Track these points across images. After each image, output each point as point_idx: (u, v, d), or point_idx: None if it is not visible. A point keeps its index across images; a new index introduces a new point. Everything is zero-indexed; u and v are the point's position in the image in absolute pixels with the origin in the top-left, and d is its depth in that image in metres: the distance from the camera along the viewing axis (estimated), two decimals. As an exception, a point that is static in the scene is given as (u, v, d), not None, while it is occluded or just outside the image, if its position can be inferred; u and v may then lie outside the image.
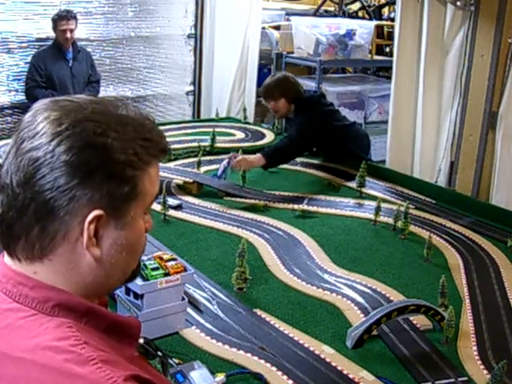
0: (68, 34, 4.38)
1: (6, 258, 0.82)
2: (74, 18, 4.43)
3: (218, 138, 3.79)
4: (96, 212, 0.76)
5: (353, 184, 3.23)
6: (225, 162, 3.19)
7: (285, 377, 1.60)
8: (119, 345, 0.80)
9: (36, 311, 0.76)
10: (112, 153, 0.77)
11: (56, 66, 4.46)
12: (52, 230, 0.76)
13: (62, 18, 4.36)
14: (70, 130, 0.76)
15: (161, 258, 1.78)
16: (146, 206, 0.84)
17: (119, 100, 0.87)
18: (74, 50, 4.53)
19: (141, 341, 0.99)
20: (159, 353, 1.10)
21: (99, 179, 0.76)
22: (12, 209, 0.76)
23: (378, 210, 2.73)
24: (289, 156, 3.43)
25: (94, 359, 0.72)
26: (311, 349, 1.73)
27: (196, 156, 3.45)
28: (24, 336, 0.74)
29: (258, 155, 3.28)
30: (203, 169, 3.37)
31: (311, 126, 3.41)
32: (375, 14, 6.97)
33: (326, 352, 1.72)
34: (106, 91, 5.32)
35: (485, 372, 1.67)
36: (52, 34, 4.63)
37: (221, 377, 1.56)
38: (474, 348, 1.79)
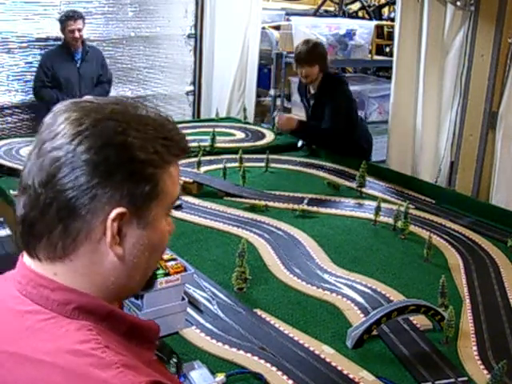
0: (76, 34, 4.41)
1: (26, 259, 0.82)
2: (81, 17, 4.46)
3: (218, 137, 3.79)
4: (119, 209, 0.76)
5: (353, 184, 3.23)
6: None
7: (285, 377, 1.60)
8: (138, 349, 0.79)
9: (56, 314, 0.76)
10: (132, 151, 0.77)
11: (63, 66, 4.47)
12: (74, 229, 0.76)
13: (70, 19, 4.39)
14: (90, 129, 0.76)
15: (161, 258, 1.78)
16: (168, 207, 0.84)
17: (138, 101, 0.87)
18: (83, 50, 4.54)
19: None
20: (174, 356, 1.08)
21: (120, 178, 0.76)
22: (34, 209, 0.77)
23: (378, 209, 2.73)
24: (323, 140, 3.62)
25: (115, 363, 0.71)
26: (311, 349, 1.73)
27: (196, 156, 3.45)
28: (45, 339, 0.73)
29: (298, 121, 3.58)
30: (203, 169, 3.37)
31: (344, 113, 3.57)
32: (375, 14, 6.98)
33: (326, 352, 1.72)
34: (106, 91, 5.33)
35: (485, 372, 1.67)
36: (52, 34, 4.65)
37: (221, 377, 1.56)
38: (474, 348, 1.79)
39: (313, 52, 3.56)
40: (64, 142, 0.76)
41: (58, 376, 0.70)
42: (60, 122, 0.77)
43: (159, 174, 0.80)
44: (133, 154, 0.77)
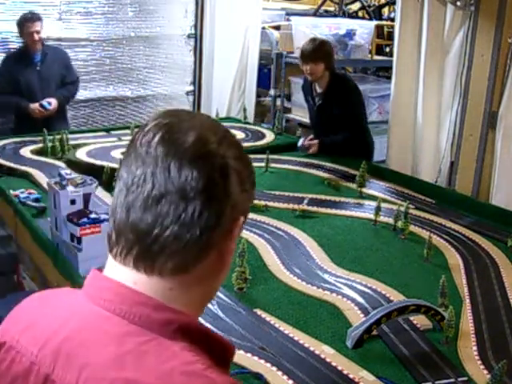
0: (35, 37, 4.18)
1: (117, 274, 0.75)
2: (39, 19, 4.24)
3: (218, 137, 3.79)
4: (242, 218, 0.79)
5: (353, 184, 3.23)
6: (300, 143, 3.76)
7: (285, 377, 1.60)
8: (223, 368, 0.76)
9: (157, 335, 0.71)
10: (252, 172, 0.81)
11: (23, 70, 4.25)
12: (213, 240, 0.75)
13: (28, 21, 4.17)
14: (224, 147, 0.76)
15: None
16: None
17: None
18: (42, 52, 4.30)
19: None
20: None
21: (248, 187, 0.78)
22: (174, 223, 0.71)
23: (378, 209, 2.73)
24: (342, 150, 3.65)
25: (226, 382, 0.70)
26: (311, 349, 1.73)
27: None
28: (152, 362, 0.69)
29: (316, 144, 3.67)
30: (203, 169, 3.36)
31: (364, 112, 3.70)
32: (375, 14, 6.98)
33: (326, 352, 1.72)
34: (106, 91, 5.33)
35: (485, 372, 1.67)
36: (52, 34, 4.63)
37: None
38: (474, 348, 1.79)
39: (318, 49, 3.57)
40: (214, 148, 0.74)
41: None
42: (183, 134, 0.74)
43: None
44: (251, 166, 0.80)
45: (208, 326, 1.83)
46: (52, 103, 4.18)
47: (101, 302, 0.74)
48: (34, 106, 4.15)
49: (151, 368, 0.68)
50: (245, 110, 4.65)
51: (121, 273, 0.75)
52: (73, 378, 0.69)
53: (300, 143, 3.78)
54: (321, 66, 3.56)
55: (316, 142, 3.69)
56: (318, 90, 3.71)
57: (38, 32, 4.20)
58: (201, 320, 1.90)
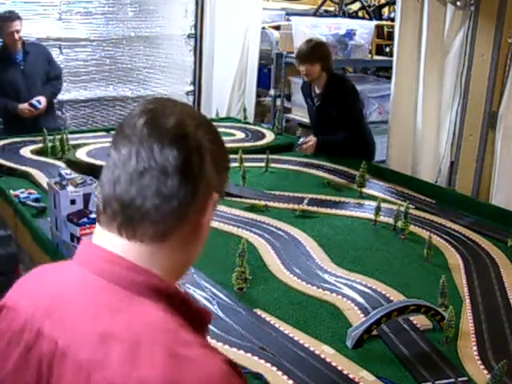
0: (16, 36, 4.12)
1: (104, 241, 0.84)
2: (19, 18, 4.16)
3: (218, 137, 3.79)
4: (217, 195, 0.88)
5: (353, 184, 3.23)
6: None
7: (285, 377, 1.60)
8: (198, 332, 0.83)
9: (133, 293, 0.80)
10: (225, 151, 0.92)
11: (6, 70, 4.19)
12: (191, 211, 0.83)
13: (7, 20, 4.10)
14: (202, 131, 0.86)
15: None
16: None
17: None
18: (23, 50, 4.24)
19: None
20: None
21: (221, 169, 0.88)
22: (155, 195, 0.80)
23: (378, 209, 2.73)
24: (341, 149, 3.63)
25: (195, 343, 0.77)
26: (311, 349, 1.73)
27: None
28: (126, 316, 0.77)
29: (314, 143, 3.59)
30: (203, 169, 3.36)
31: (359, 103, 3.69)
32: (375, 13, 6.98)
33: (326, 352, 1.72)
34: (106, 91, 5.33)
35: (485, 372, 1.67)
36: (52, 34, 4.62)
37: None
38: (474, 348, 1.79)
39: (314, 50, 3.57)
40: (192, 131, 0.83)
41: (146, 350, 0.74)
42: (166, 118, 0.83)
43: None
44: (226, 150, 0.91)
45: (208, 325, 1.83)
46: (41, 101, 4.14)
47: (87, 265, 0.84)
48: (23, 106, 4.11)
49: (124, 321, 0.77)
50: (245, 110, 4.65)
51: (106, 239, 0.84)
52: (58, 330, 0.80)
53: (300, 142, 3.77)
54: (317, 67, 3.56)
55: (313, 140, 3.64)
56: (317, 91, 3.71)
57: (18, 31, 4.13)
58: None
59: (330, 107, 3.63)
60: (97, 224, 0.87)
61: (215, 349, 0.80)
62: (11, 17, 4.12)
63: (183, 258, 0.88)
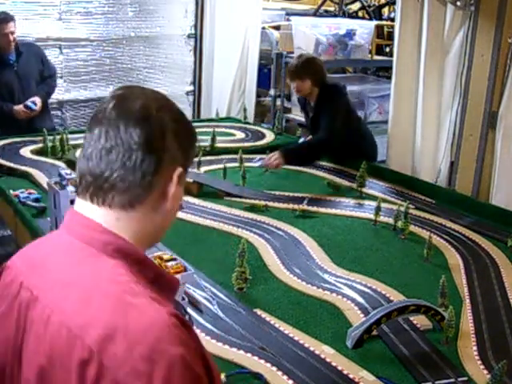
0: (10, 37, 4.09)
1: (82, 209, 0.96)
2: (13, 19, 4.13)
3: (218, 138, 3.80)
4: (180, 169, 0.96)
5: (353, 184, 3.23)
6: (257, 163, 3.46)
7: (285, 377, 1.60)
8: (161, 295, 0.91)
9: (100, 252, 0.91)
10: (191, 128, 1.02)
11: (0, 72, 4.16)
12: (156, 183, 0.93)
13: (1, 22, 4.06)
14: (163, 111, 0.95)
15: (161, 258, 1.78)
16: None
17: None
18: (17, 51, 4.20)
19: None
20: (187, 315, 1.32)
21: (185, 145, 0.97)
22: (121, 168, 0.91)
23: (378, 209, 2.73)
24: (311, 157, 3.53)
25: (145, 295, 0.86)
26: (311, 349, 1.73)
27: (196, 156, 3.45)
28: (89, 269, 0.90)
29: (278, 156, 3.36)
30: (203, 169, 3.37)
31: (341, 117, 3.47)
32: (375, 13, 6.98)
33: (326, 352, 1.72)
34: (106, 91, 5.32)
35: (485, 372, 1.67)
36: (52, 34, 4.62)
37: (221, 377, 1.56)
38: (474, 348, 1.79)
39: (304, 66, 3.51)
40: (154, 113, 0.93)
41: (99, 297, 0.85)
42: (132, 101, 0.94)
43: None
44: (192, 129, 1.01)
45: (208, 326, 1.83)
46: (37, 102, 4.13)
47: (67, 229, 0.97)
48: (19, 107, 4.10)
49: (86, 274, 0.89)
50: (245, 109, 4.65)
51: (82, 206, 0.96)
52: (35, 281, 0.94)
53: (258, 163, 3.48)
54: (307, 82, 3.51)
55: (276, 154, 3.37)
56: (312, 104, 3.68)
57: (12, 33, 4.10)
58: (201, 320, 1.90)
59: (319, 118, 3.59)
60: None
61: (167, 303, 0.89)
62: (6, 18, 4.09)
63: (150, 226, 0.97)
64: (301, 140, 3.83)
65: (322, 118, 3.52)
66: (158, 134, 0.93)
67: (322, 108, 3.55)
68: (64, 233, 0.97)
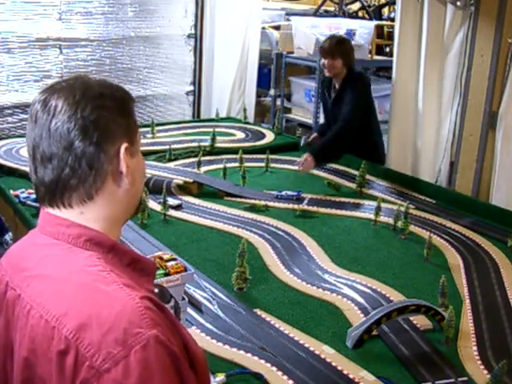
0: None
1: (50, 210, 0.99)
2: None
3: (218, 138, 3.80)
4: (125, 144, 0.96)
5: (353, 184, 3.23)
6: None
7: (285, 377, 1.60)
8: (139, 279, 0.95)
9: (71, 245, 0.95)
10: (121, 103, 1.00)
11: None
12: (103, 171, 0.95)
13: None
14: (84, 98, 0.94)
15: (161, 258, 1.78)
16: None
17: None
18: None
19: (156, 290, 1.21)
20: (172, 299, 1.33)
21: (120, 121, 0.97)
22: (65, 169, 0.94)
23: (378, 209, 2.73)
24: (340, 147, 3.51)
25: (116, 282, 0.89)
26: (311, 349, 1.73)
27: (196, 156, 3.46)
28: (61, 263, 0.93)
29: (309, 158, 3.34)
30: (203, 169, 3.37)
31: (362, 107, 3.55)
32: (375, 13, 6.98)
33: (326, 352, 1.72)
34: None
35: (485, 372, 1.67)
36: (52, 34, 4.61)
37: (221, 377, 1.56)
38: (474, 348, 1.79)
39: (338, 45, 3.58)
40: (70, 113, 0.93)
41: (72, 288, 0.89)
42: (54, 103, 0.94)
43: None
44: (121, 98, 1.00)
45: (208, 326, 1.83)
46: None
47: (41, 229, 1.00)
48: None
49: (59, 268, 0.93)
50: (245, 110, 4.65)
51: (50, 208, 0.99)
52: (17, 280, 0.97)
53: (303, 142, 3.76)
54: (338, 61, 3.56)
55: (307, 158, 3.37)
56: (336, 86, 3.71)
57: None
58: (200, 319, 1.90)
59: (341, 103, 3.60)
60: None
61: (142, 288, 0.91)
62: None
63: (118, 207, 1.00)
64: (301, 140, 3.83)
65: (344, 107, 3.54)
66: (90, 123, 0.93)
67: (345, 92, 3.58)
68: (37, 232, 1.01)
